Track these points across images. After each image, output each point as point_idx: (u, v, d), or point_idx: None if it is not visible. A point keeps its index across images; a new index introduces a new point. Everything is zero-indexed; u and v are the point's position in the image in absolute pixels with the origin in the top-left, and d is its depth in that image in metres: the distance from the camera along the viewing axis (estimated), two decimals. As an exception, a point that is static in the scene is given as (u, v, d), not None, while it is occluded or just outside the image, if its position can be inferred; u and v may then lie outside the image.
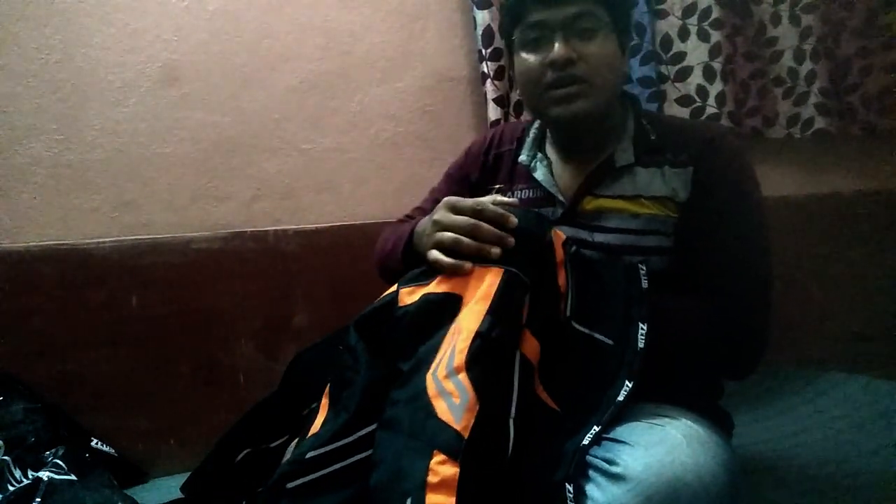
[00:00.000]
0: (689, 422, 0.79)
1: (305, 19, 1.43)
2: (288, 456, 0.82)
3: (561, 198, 0.95)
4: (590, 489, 0.71)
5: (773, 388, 1.40)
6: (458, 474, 0.61)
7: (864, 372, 1.41)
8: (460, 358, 0.67)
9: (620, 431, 0.78)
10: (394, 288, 0.82)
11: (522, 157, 1.01)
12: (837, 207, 1.71)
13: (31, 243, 1.23)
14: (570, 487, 0.70)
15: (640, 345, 0.78)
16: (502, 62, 1.49)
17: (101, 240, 1.26)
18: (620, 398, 0.75)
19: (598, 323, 0.80)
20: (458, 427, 0.63)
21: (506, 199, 0.83)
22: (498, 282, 0.73)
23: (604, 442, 0.77)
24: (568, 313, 0.80)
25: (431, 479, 0.61)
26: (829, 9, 1.66)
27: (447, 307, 0.75)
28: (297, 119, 1.42)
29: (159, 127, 1.33)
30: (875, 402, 1.22)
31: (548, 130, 1.03)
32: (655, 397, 0.87)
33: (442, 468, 0.62)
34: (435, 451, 0.63)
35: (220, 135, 1.37)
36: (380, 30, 1.48)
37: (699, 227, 0.88)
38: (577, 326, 0.80)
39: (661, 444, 0.73)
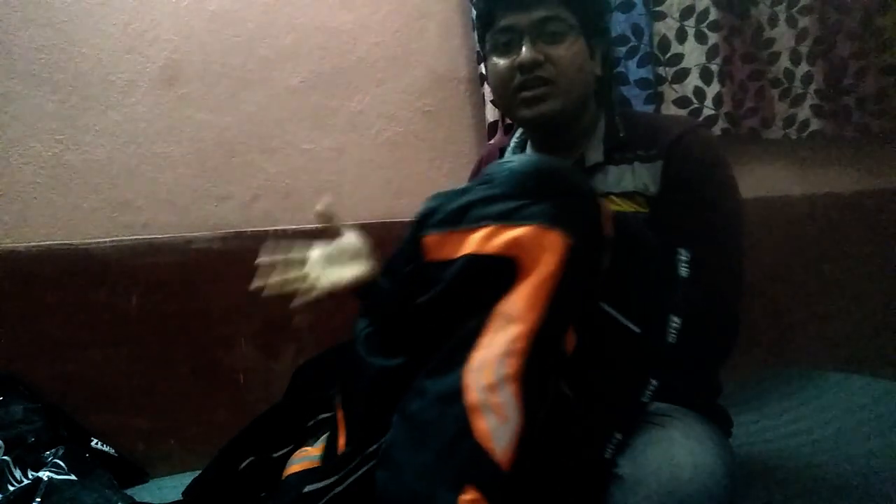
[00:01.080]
0: (687, 421, 0.79)
1: (305, 19, 1.43)
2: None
3: None
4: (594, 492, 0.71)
5: (773, 388, 1.40)
6: None
7: (864, 372, 1.41)
8: (515, 364, 0.56)
9: None
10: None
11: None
12: (837, 207, 1.71)
13: (31, 243, 1.23)
14: None
15: (671, 339, 0.69)
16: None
17: (101, 240, 1.26)
18: (645, 399, 0.69)
19: (628, 307, 0.69)
20: (499, 457, 0.54)
21: None
22: (561, 257, 0.59)
23: None
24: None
25: None
26: (826, 11, 1.67)
27: (501, 276, 0.60)
28: (297, 119, 1.42)
29: (159, 127, 1.33)
30: (875, 402, 1.22)
31: (529, 138, 1.05)
32: (654, 396, 0.87)
33: None
34: (467, 487, 0.53)
35: (220, 135, 1.37)
36: (380, 30, 1.48)
37: (669, 219, 0.87)
38: (605, 308, 0.68)
39: (659, 444, 0.73)
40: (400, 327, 0.70)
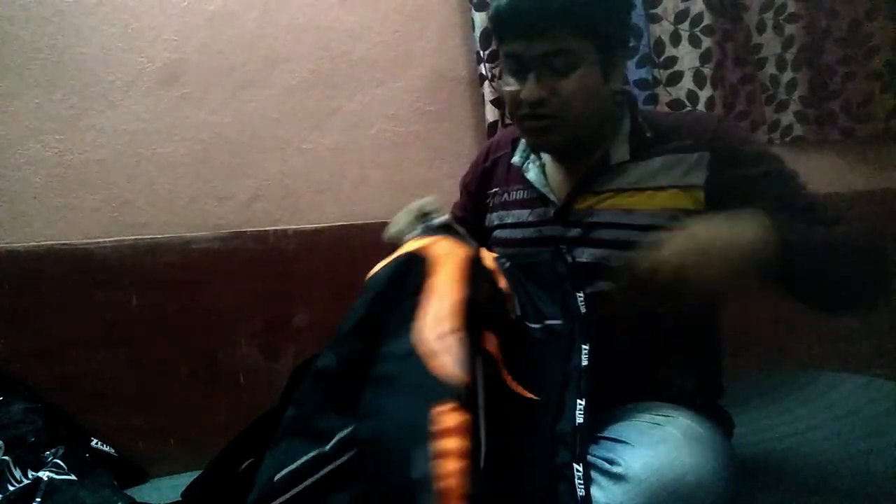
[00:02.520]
0: (689, 422, 0.79)
1: (305, 19, 1.43)
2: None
3: (553, 198, 0.95)
4: (591, 489, 0.71)
5: (773, 388, 1.39)
6: (468, 420, 0.61)
7: (864, 372, 1.41)
8: (454, 321, 0.68)
9: (621, 431, 0.78)
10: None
11: (515, 159, 1.02)
12: (835, 208, 1.71)
13: (31, 243, 1.23)
14: (578, 467, 0.70)
15: (583, 310, 0.84)
16: (499, 64, 1.49)
17: (101, 240, 1.26)
18: (585, 363, 0.79)
19: (545, 312, 0.85)
20: (459, 380, 0.63)
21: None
22: (466, 258, 0.76)
23: (604, 442, 0.77)
24: (518, 312, 0.84)
25: (441, 425, 0.60)
26: (813, 18, 1.68)
27: (417, 268, 0.76)
28: (297, 119, 1.43)
29: (159, 127, 1.33)
30: (875, 402, 1.22)
31: None
32: (656, 397, 0.87)
33: (450, 416, 0.61)
34: (439, 403, 0.62)
35: (220, 135, 1.37)
36: (380, 30, 1.48)
37: (740, 200, 0.83)
38: (530, 325, 0.84)
39: (661, 444, 0.73)
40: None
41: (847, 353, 1.61)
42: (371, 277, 0.79)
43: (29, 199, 1.25)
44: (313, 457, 0.68)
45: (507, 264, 0.90)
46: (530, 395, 0.77)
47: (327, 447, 0.68)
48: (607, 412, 0.85)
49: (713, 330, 0.97)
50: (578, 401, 0.75)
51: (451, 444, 0.59)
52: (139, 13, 1.32)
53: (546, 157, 1.00)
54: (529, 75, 0.85)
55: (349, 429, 0.69)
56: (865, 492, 0.90)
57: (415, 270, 0.75)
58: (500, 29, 0.87)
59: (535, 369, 0.80)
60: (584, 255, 0.90)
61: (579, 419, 0.74)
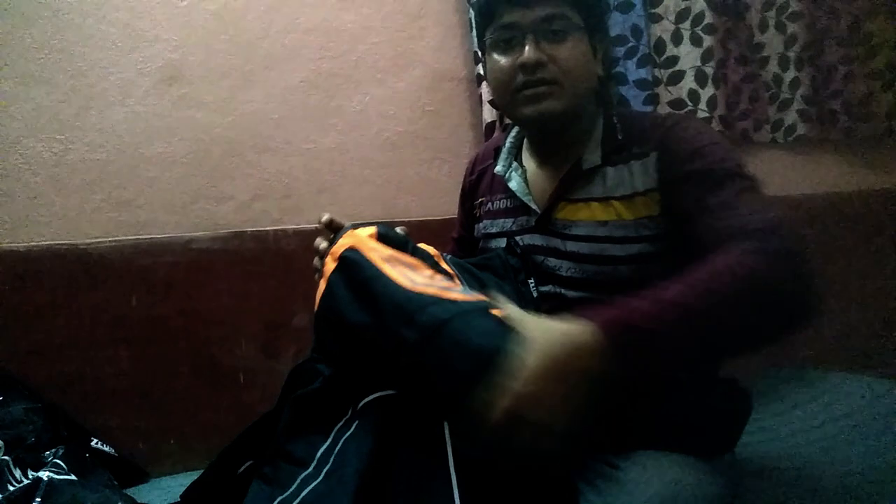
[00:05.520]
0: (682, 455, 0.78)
1: (305, 19, 1.43)
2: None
3: (534, 206, 0.94)
4: (589, 493, 0.71)
5: (773, 388, 1.40)
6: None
7: (864, 372, 1.41)
8: (418, 270, 0.71)
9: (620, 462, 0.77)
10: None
11: (498, 168, 1.01)
12: (836, 207, 1.72)
13: (31, 243, 1.23)
14: None
15: (535, 294, 0.88)
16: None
17: (101, 240, 1.26)
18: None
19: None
20: (480, 297, 0.66)
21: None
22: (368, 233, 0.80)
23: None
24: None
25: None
26: (815, 17, 1.68)
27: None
28: (297, 119, 1.42)
29: (159, 127, 1.33)
30: (875, 402, 1.22)
31: (525, 139, 1.03)
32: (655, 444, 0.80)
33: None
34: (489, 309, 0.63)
35: (220, 135, 1.37)
36: (380, 30, 1.48)
37: (680, 199, 0.81)
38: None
39: (661, 455, 0.73)
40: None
41: (847, 353, 1.61)
42: (326, 308, 0.76)
43: (29, 199, 1.25)
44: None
45: (447, 254, 0.91)
46: None
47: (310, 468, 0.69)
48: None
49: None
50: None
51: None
52: (139, 13, 1.32)
53: (529, 164, 1.00)
54: (527, 39, 0.86)
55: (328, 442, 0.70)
56: (865, 492, 0.90)
57: (352, 270, 0.74)
58: (493, 2, 0.88)
59: None
60: (563, 268, 0.89)
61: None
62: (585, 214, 0.89)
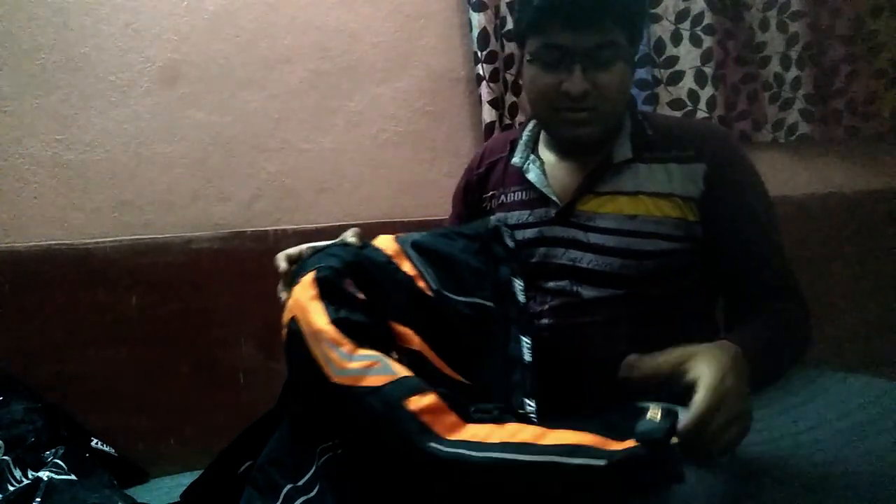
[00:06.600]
0: None
1: (305, 19, 1.43)
2: None
3: (554, 198, 0.94)
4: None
5: (774, 388, 1.39)
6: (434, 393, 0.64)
7: (864, 372, 1.41)
8: (344, 346, 0.69)
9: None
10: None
11: (515, 160, 1.00)
12: (836, 207, 1.71)
13: (31, 243, 1.23)
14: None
15: (522, 299, 0.84)
16: (497, 65, 1.49)
17: (101, 240, 1.26)
18: (528, 358, 0.77)
19: (473, 290, 0.83)
20: (405, 373, 0.66)
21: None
22: (310, 293, 0.75)
23: None
24: (434, 287, 0.81)
25: (416, 405, 0.63)
26: (817, 16, 1.67)
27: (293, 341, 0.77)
28: (297, 119, 1.43)
29: (159, 127, 1.33)
30: (875, 402, 1.22)
31: (542, 132, 1.02)
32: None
33: (419, 399, 0.63)
34: (407, 396, 0.63)
35: (220, 135, 1.37)
36: (380, 30, 1.48)
37: (721, 225, 0.88)
38: (453, 297, 0.81)
39: None
40: None
41: (847, 353, 1.61)
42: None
43: (29, 199, 1.26)
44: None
45: (413, 239, 0.88)
46: (463, 380, 0.77)
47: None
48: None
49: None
50: (527, 400, 0.74)
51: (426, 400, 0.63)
52: (139, 13, 1.32)
53: (547, 156, 1.00)
54: (575, 67, 0.84)
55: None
56: (866, 492, 0.90)
57: (293, 346, 0.73)
58: (543, 19, 0.85)
59: (469, 349, 0.79)
60: (584, 260, 0.89)
61: (532, 419, 0.72)
62: (612, 207, 0.90)
